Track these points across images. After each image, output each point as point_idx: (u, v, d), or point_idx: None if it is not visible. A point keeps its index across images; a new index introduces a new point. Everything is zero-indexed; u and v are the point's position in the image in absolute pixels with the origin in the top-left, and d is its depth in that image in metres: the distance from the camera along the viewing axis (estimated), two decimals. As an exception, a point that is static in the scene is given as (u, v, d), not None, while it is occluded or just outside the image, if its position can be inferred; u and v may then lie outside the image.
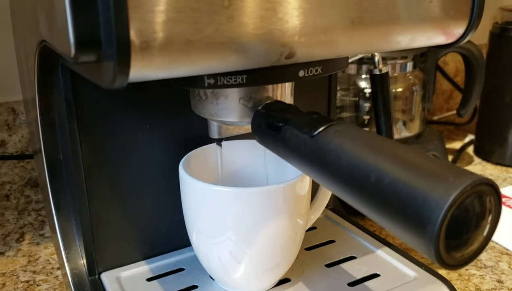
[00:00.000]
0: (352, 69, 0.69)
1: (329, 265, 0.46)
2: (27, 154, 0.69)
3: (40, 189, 0.71)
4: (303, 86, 0.47)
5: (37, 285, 0.52)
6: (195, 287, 0.44)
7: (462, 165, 0.81)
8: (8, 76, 0.66)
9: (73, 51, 0.26)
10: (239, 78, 0.33)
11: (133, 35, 0.25)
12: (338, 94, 0.71)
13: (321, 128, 0.31)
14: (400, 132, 0.70)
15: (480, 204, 0.24)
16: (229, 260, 0.40)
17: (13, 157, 0.68)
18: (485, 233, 0.25)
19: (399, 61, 0.68)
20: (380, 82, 0.51)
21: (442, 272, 0.52)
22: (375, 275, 0.45)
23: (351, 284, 0.44)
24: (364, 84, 0.67)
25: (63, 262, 0.46)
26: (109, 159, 0.43)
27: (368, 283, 0.44)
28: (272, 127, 0.34)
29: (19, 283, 0.53)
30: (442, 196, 0.23)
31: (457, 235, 0.24)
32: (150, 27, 0.26)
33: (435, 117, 1.01)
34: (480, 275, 0.54)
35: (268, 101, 0.37)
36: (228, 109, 0.37)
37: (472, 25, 0.37)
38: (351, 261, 0.47)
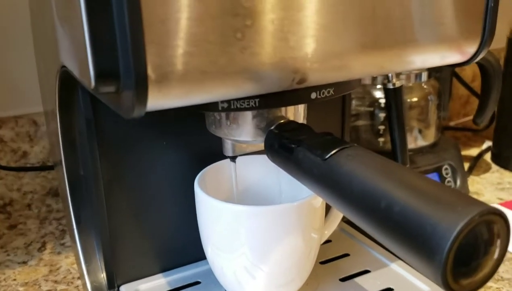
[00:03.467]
0: (367, 80, 0.69)
1: (343, 279, 0.47)
2: (48, 165, 0.71)
3: (61, 199, 0.73)
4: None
5: (59, 295, 0.54)
6: (211, 300, 0.45)
7: (480, 172, 0.81)
8: (29, 88, 0.67)
9: (93, 83, 0.27)
10: (252, 101, 0.34)
11: (150, 68, 0.26)
12: (353, 103, 0.71)
13: (334, 151, 0.31)
14: (416, 141, 0.70)
15: (488, 230, 0.25)
16: (244, 276, 0.41)
17: (34, 168, 0.70)
18: (494, 258, 0.26)
19: (414, 71, 0.68)
20: (394, 95, 0.51)
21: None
22: (389, 290, 0.45)
23: (365, 298, 0.44)
24: (379, 94, 0.67)
25: (83, 274, 0.47)
26: (128, 175, 0.44)
27: (382, 297, 0.44)
28: (284, 148, 0.35)
29: (41, 292, 0.54)
30: (450, 225, 0.24)
31: (466, 262, 0.25)
32: (166, 60, 0.27)
33: (452, 123, 1.01)
34: (497, 288, 0.54)
35: (281, 121, 0.38)
36: (242, 129, 0.38)
37: (484, 44, 0.37)
38: (365, 275, 0.47)
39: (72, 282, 0.56)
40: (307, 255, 0.42)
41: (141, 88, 0.26)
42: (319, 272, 0.48)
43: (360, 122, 0.71)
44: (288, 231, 0.40)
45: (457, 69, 0.97)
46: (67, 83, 0.40)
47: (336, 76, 0.33)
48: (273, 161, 0.37)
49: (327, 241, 0.53)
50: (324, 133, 0.35)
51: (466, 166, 0.82)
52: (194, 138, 0.46)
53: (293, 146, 0.34)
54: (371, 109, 0.68)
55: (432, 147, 0.71)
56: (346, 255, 0.51)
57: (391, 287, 0.46)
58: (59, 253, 0.62)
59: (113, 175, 0.44)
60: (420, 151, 0.70)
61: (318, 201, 0.41)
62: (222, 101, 0.34)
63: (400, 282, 0.46)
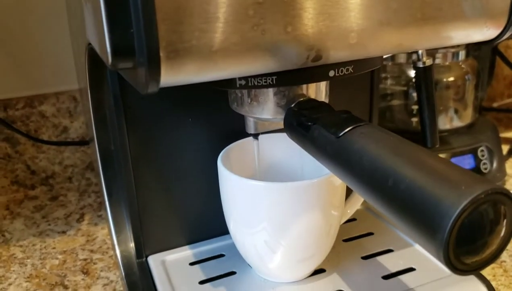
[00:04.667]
0: (402, 58, 0.68)
1: (365, 258, 0.47)
2: (87, 140, 0.74)
3: (95, 173, 0.76)
4: (345, 79, 0.48)
5: (94, 264, 0.56)
6: (234, 273, 0.46)
7: (520, 155, 0.79)
8: (70, 65, 0.70)
9: (110, 59, 0.28)
10: (269, 79, 0.34)
11: (162, 45, 0.27)
12: (388, 82, 0.70)
13: (347, 129, 0.32)
14: (451, 122, 0.69)
15: (494, 211, 0.25)
16: (264, 250, 0.42)
17: (74, 143, 0.73)
18: (501, 236, 0.26)
19: (451, 50, 0.66)
20: (424, 75, 0.50)
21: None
22: (411, 269, 0.45)
23: (386, 277, 0.44)
24: (413, 73, 0.66)
25: (114, 244, 0.50)
26: (155, 150, 0.46)
27: (403, 277, 0.44)
28: (302, 125, 0.35)
29: (78, 260, 0.57)
30: (452, 204, 0.24)
31: (472, 240, 0.25)
32: (178, 37, 0.27)
33: (495, 104, 0.98)
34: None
35: (301, 99, 0.38)
36: (262, 107, 0.39)
37: (511, 22, 0.36)
38: (388, 254, 0.48)
39: (106, 252, 0.59)
40: (327, 231, 0.43)
41: (153, 65, 0.27)
42: (341, 249, 0.48)
43: (395, 102, 0.71)
44: (307, 207, 0.40)
45: (502, 48, 0.93)
46: (95, 60, 0.42)
47: (353, 54, 0.33)
48: (292, 138, 0.37)
49: (352, 220, 0.53)
50: (342, 112, 0.35)
51: (506, 149, 0.79)
52: (220, 116, 0.47)
53: (309, 123, 0.34)
54: (405, 88, 0.67)
55: (469, 127, 0.69)
56: (370, 234, 0.51)
57: (414, 267, 0.46)
58: (96, 224, 0.65)
59: (141, 150, 0.45)
60: (455, 131, 0.68)
61: (338, 179, 0.41)
62: (240, 79, 0.34)
63: (422, 263, 0.46)
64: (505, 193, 0.24)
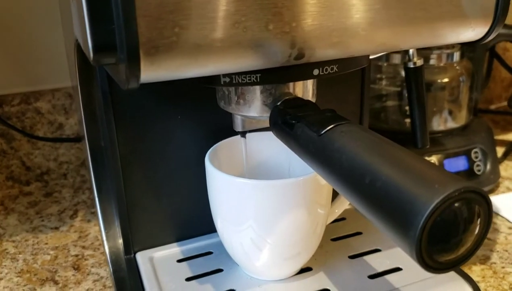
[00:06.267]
0: (396, 59, 0.68)
1: (352, 257, 0.47)
2: (82, 137, 0.74)
3: (86, 169, 0.76)
4: (335, 78, 0.48)
5: (85, 260, 0.57)
6: (221, 270, 0.46)
7: (515, 157, 0.78)
8: (66, 63, 0.70)
9: (91, 54, 0.29)
10: (253, 77, 0.34)
11: (142, 41, 0.27)
12: (383, 83, 0.70)
13: (329, 128, 0.32)
14: (446, 123, 0.69)
15: (468, 209, 0.25)
16: (250, 248, 0.42)
17: (70, 140, 0.73)
18: (475, 235, 0.26)
19: (446, 51, 0.66)
20: (414, 75, 0.50)
21: (476, 268, 0.52)
22: (397, 269, 0.45)
23: (372, 277, 0.44)
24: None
25: (103, 240, 0.50)
26: (144, 148, 0.46)
27: (389, 277, 0.44)
28: (286, 123, 0.35)
29: (70, 256, 0.57)
30: (425, 202, 0.24)
31: (445, 238, 0.25)
32: (158, 33, 0.27)
33: (493, 106, 0.98)
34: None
35: (287, 98, 0.38)
36: (249, 105, 0.39)
37: (497, 23, 0.36)
38: (376, 253, 0.48)
39: (98, 248, 0.59)
40: (313, 230, 0.43)
41: (133, 61, 0.27)
42: (329, 248, 0.48)
43: (390, 103, 0.71)
44: (293, 205, 0.40)
45: (500, 51, 0.93)
46: (85, 56, 0.42)
47: (335, 53, 0.33)
48: (277, 136, 0.37)
49: (341, 219, 0.53)
50: (326, 110, 0.35)
51: (501, 151, 0.79)
52: (209, 113, 0.47)
53: (293, 121, 0.35)
54: (400, 89, 0.67)
55: (463, 129, 0.69)
56: (359, 233, 0.51)
57: (400, 266, 0.46)
58: (89, 220, 0.65)
59: (130, 146, 0.46)
60: (450, 133, 0.68)
61: (324, 178, 0.41)
62: (224, 76, 0.34)
63: (409, 262, 0.46)
64: (479, 191, 0.24)
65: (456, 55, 0.66)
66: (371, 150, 0.29)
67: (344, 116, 0.50)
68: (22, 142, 0.72)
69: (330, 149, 0.30)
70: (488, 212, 0.25)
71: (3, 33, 0.69)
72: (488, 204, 0.25)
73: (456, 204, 0.24)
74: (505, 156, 0.78)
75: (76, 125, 0.74)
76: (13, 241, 0.61)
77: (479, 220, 0.25)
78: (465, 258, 0.26)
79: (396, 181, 0.26)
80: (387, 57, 0.67)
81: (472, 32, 0.36)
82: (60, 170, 0.75)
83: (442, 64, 0.67)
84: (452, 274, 0.44)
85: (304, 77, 0.36)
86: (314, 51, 0.32)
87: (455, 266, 0.26)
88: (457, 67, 0.68)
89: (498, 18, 0.36)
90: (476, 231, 0.25)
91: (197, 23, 0.28)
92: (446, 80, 0.67)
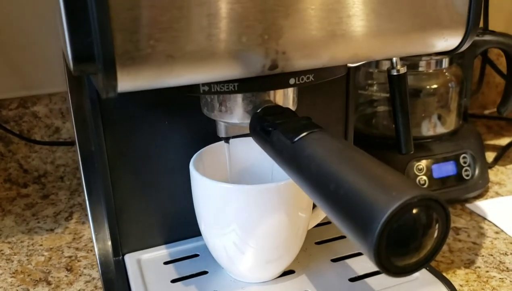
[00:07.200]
0: (386, 65, 0.69)
1: (335, 260, 0.48)
2: (78, 140, 0.75)
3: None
4: (321, 84, 0.49)
5: (78, 261, 0.58)
6: (206, 273, 0.47)
7: (506, 163, 0.79)
8: (62, 68, 0.72)
9: (71, 64, 0.30)
10: (231, 85, 0.35)
11: (118, 53, 0.29)
12: (374, 89, 0.71)
13: (302, 135, 0.33)
14: (435, 129, 0.69)
15: (427, 216, 0.26)
16: (233, 251, 0.44)
17: (66, 143, 0.75)
18: (434, 239, 0.27)
19: (435, 58, 0.67)
20: (398, 82, 0.51)
21: (460, 272, 0.53)
22: (378, 272, 0.46)
23: (352, 280, 0.46)
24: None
25: (93, 242, 0.51)
26: (132, 152, 0.48)
27: (369, 280, 0.45)
28: (263, 130, 0.37)
29: (63, 258, 0.59)
30: (382, 208, 0.25)
31: (404, 243, 0.26)
32: (134, 46, 0.29)
33: (487, 112, 0.98)
34: (500, 278, 0.53)
35: (267, 105, 0.39)
36: (231, 112, 0.40)
37: (469, 34, 0.37)
38: (358, 257, 0.49)
39: (91, 250, 0.60)
40: (294, 233, 0.44)
41: (110, 71, 0.29)
42: (312, 251, 0.50)
43: (380, 108, 0.72)
44: (274, 209, 0.42)
45: (494, 56, 0.94)
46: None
47: (308, 64, 0.34)
48: (256, 142, 0.38)
49: (326, 223, 0.54)
50: (302, 118, 0.36)
51: (493, 156, 0.80)
52: (195, 118, 0.48)
53: (270, 129, 0.36)
54: (388, 95, 0.68)
55: (452, 134, 0.70)
56: (343, 237, 0.52)
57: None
58: (83, 223, 0.67)
59: (118, 151, 0.47)
60: (439, 138, 0.69)
61: (304, 183, 0.42)
62: (203, 85, 0.36)
63: (390, 266, 0.47)
64: (435, 198, 0.25)
65: (445, 62, 0.67)
66: (338, 157, 0.30)
67: (330, 122, 0.51)
68: (19, 145, 0.74)
69: (301, 156, 0.32)
70: (446, 217, 0.26)
71: (1, 38, 0.71)
72: (445, 209, 0.26)
73: (414, 211, 0.25)
74: (496, 160, 0.79)
75: (72, 129, 0.76)
76: (9, 242, 0.62)
77: (437, 224, 0.26)
78: (426, 261, 0.27)
79: (357, 189, 0.27)
80: (377, 64, 0.68)
81: (445, 42, 0.37)
82: (57, 173, 0.77)
83: (431, 71, 0.68)
84: (431, 278, 0.45)
85: (281, 86, 0.37)
86: (288, 62, 0.33)
87: (416, 269, 0.27)
88: (446, 74, 0.69)
89: (470, 29, 0.37)
90: (435, 235, 0.26)
91: (171, 36, 0.29)
92: (435, 86, 0.68)
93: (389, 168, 0.28)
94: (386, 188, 0.26)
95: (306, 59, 0.33)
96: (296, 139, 0.33)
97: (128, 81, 0.30)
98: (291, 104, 0.42)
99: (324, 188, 0.29)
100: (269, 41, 0.32)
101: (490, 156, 0.80)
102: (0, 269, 0.57)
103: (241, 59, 0.32)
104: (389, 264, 0.26)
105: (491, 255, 0.57)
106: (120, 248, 0.50)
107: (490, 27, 0.80)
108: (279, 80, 0.36)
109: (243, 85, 0.35)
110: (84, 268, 0.57)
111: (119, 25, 0.28)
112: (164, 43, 0.29)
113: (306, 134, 0.33)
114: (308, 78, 0.37)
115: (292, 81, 0.36)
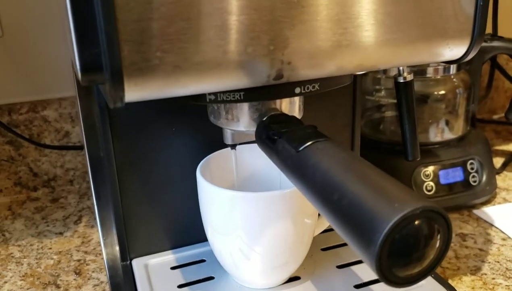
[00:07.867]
0: (395, 71, 0.69)
1: (340, 267, 0.49)
2: (87, 144, 0.76)
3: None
4: (327, 91, 0.49)
5: (87, 264, 0.59)
6: (212, 278, 0.48)
7: (514, 168, 0.79)
8: (72, 73, 0.73)
9: (80, 75, 0.30)
10: (237, 94, 0.36)
11: (125, 64, 0.29)
12: (382, 95, 0.72)
13: (307, 144, 0.33)
14: (442, 134, 0.69)
15: (429, 227, 0.26)
16: (239, 257, 0.44)
17: (75, 147, 0.76)
18: (436, 249, 0.27)
19: (442, 64, 0.67)
20: (404, 90, 0.51)
21: (466, 279, 0.53)
22: (383, 280, 0.46)
23: (357, 286, 0.46)
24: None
25: (102, 247, 0.52)
26: (140, 158, 0.48)
27: (374, 287, 0.45)
28: (269, 139, 0.37)
29: (72, 261, 0.60)
30: (384, 220, 0.25)
31: (406, 254, 0.26)
32: (141, 57, 0.29)
33: (495, 117, 0.98)
34: (506, 286, 0.53)
35: (273, 113, 0.40)
36: (237, 120, 0.41)
37: (474, 43, 0.37)
38: (363, 264, 0.49)
39: (100, 254, 0.61)
40: (300, 240, 0.44)
41: (117, 82, 0.29)
42: (318, 258, 0.50)
43: (388, 114, 0.72)
44: (280, 217, 0.42)
45: (503, 61, 0.94)
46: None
47: (313, 74, 0.34)
48: (262, 150, 0.39)
49: (332, 229, 0.54)
50: (307, 127, 0.36)
51: (501, 161, 0.80)
52: (203, 125, 0.49)
53: (275, 137, 0.36)
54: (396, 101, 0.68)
55: (459, 140, 0.70)
56: (349, 243, 0.52)
57: (386, 277, 0.47)
58: (92, 226, 0.67)
59: (126, 157, 0.48)
60: (446, 144, 0.69)
61: (310, 190, 0.43)
62: (210, 94, 0.36)
63: (395, 273, 0.47)
64: (436, 210, 0.26)
65: (453, 68, 0.67)
66: (342, 167, 0.30)
67: (336, 129, 0.51)
68: (29, 149, 0.75)
69: (306, 165, 0.32)
70: (447, 228, 0.26)
71: (12, 44, 0.72)
72: (446, 220, 0.26)
73: (416, 222, 0.25)
74: (504, 166, 0.78)
75: (81, 134, 0.76)
76: (19, 246, 0.63)
77: (439, 235, 0.26)
78: (428, 271, 0.27)
79: (360, 199, 0.27)
80: (384, 70, 0.69)
81: (451, 52, 0.37)
82: (67, 177, 0.78)
83: (439, 77, 0.68)
84: (436, 285, 0.45)
85: (287, 96, 0.37)
86: (293, 72, 0.33)
87: (418, 280, 0.27)
88: (454, 80, 0.69)
89: (475, 38, 0.37)
90: (437, 245, 0.27)
91: (178, 47, 0.30)
92: (442, 92, 0.68)
93: (393, 179, 0.28)
94: (389, 199, 0.26)
95: (311, 69, 0.34)
96: (301, 148, 0.33)
97: (135, 92, 0.30)
98: (297, 112, 0.42)
99: (327, 197, 0.29)
100: (274, 51, 0.32)
101: (498, 161, 0.80)
102: (10, 272, 0.58)
103: (247, 69, 0.32)
104: (391, 275, 0.26)
105: (498, 262, 0.57)
106: (127, 253, 0.50)
107: (499, 33, 0.80)
108: (285, 89, 0.36)
109: (249, 94, 0.36)
110: (93, 271, 0.57)
111: (127, 36, 0.29)
112: (171, 54, 0.30)
113: (311, 144, 0.33)
114: (313, 87, 0.37)
115: (297, 90, 0.36)
